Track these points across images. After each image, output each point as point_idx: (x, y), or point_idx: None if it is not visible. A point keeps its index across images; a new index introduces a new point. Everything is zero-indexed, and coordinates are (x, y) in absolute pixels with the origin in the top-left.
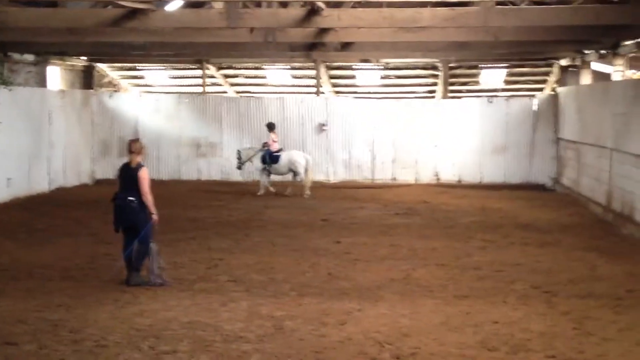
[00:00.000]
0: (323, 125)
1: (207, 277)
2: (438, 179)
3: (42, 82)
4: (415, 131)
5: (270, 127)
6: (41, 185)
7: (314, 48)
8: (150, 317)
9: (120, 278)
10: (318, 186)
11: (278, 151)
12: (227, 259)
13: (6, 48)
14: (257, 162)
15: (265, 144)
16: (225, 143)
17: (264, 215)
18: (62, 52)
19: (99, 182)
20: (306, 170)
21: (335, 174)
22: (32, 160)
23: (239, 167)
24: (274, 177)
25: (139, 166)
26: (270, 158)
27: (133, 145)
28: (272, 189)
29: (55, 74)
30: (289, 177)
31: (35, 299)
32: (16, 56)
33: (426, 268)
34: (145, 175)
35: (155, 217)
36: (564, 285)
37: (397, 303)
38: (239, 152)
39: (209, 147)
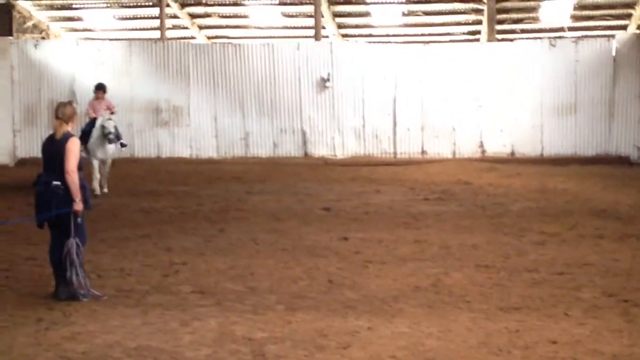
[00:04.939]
0: (326, 80)
1: (164, 288)
2: (483, 152)
3: None
4: (451, 87)
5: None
6: None
7: None
8: (85, 342)
9: (45, 290)
10: (320, 163)
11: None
12: (192, 263)
13: None
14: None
15: (112, 112)
16: (193, 107)
17: (245, 203)
18: None
19: (22, 162)
20: None
21: (344, 147)
22: None
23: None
24: None
25: (67, 136)
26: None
27: (61, 110)
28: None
29: None
30: None
31: None
32: None
33: (463, 271)
34: (74, 147)
35: (78, 204)
36: None
37: (421, 319)
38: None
39: (172, 113)
